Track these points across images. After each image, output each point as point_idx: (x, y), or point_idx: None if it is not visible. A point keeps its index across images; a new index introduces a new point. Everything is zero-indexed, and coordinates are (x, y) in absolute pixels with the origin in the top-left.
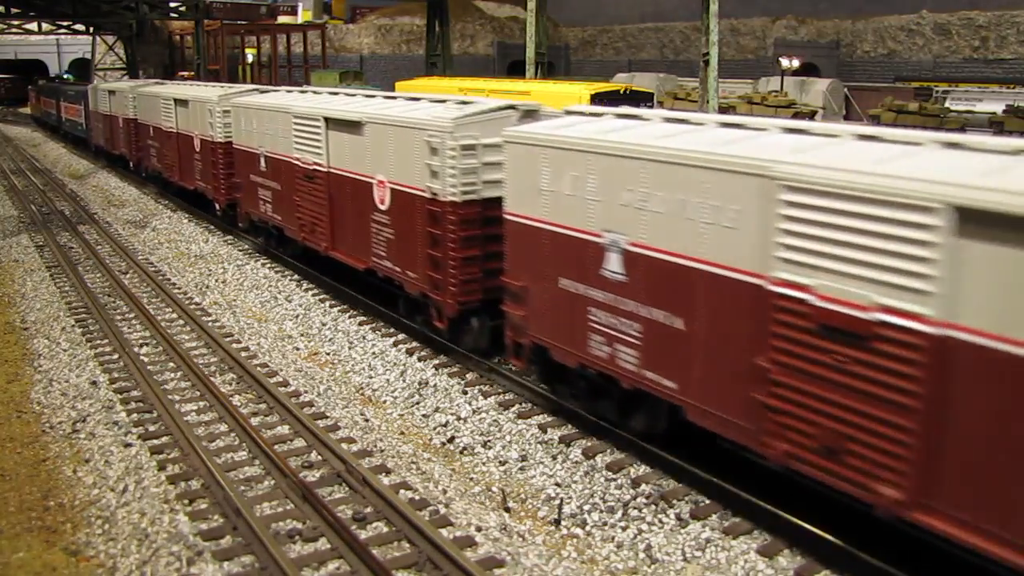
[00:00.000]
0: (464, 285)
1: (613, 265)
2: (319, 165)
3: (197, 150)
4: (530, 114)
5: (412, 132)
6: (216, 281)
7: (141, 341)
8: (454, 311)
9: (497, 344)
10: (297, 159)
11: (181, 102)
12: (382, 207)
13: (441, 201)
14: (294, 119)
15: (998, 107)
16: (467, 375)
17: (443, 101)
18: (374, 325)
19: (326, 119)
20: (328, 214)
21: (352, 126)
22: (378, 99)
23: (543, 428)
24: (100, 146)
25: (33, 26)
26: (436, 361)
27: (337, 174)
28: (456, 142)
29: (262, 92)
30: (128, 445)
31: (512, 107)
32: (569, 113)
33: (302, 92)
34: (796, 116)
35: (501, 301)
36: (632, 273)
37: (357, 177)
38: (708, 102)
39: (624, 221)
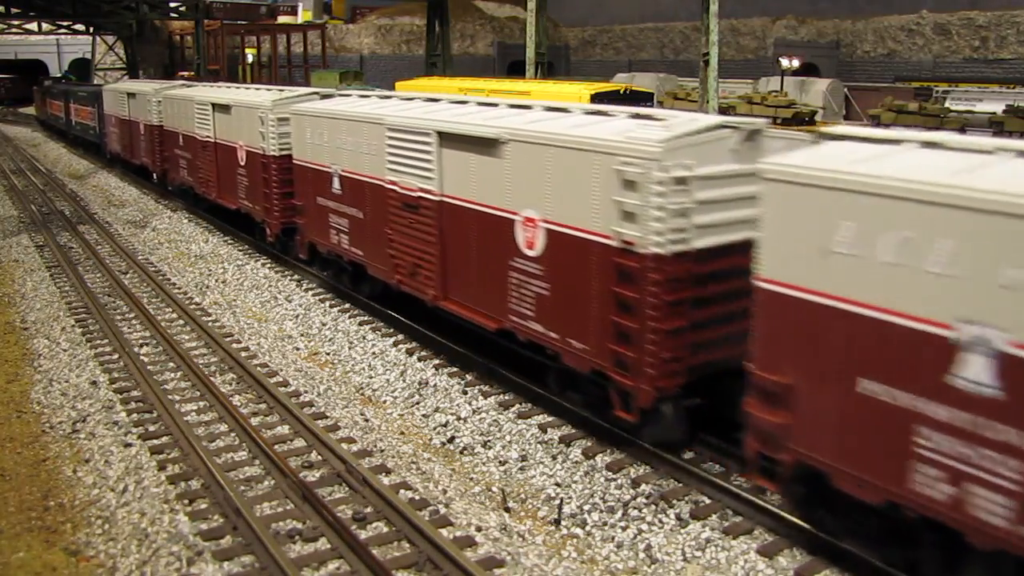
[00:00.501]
0: (666, 366)
1: (974, 372)
2: (428, 192)
3: (242, 164)
4: (753, 135)
5: (591, 157)
6: (216, 281)
7: (141, 341)
8: (650, 400)
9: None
10: (393, 183)
11: (221, 107)
12: (530, 252)
13: (639, 253)
14: (389, 132)
15: (998, 107)
16: (467, 375)
17: (610, 116)
18: (374, 325)
19: (440, 134)
20: (438, 255)
21: (484, 145)
22: (505, 108)
23: (543, 428)
24: (116, 154)
25: (33, 26)
26: (436, 361)
27: (455, 205)
28: (666, 174)
29: (325, 96)
30: (128, 445)
31: (727, 126)
32: (829, 137)
33: (384, 97)
34: (796, 116)
35: (703, 381)
36: (1015, 388)
37: (489, 211)
38: (708, 102)
39: (1005, 311)
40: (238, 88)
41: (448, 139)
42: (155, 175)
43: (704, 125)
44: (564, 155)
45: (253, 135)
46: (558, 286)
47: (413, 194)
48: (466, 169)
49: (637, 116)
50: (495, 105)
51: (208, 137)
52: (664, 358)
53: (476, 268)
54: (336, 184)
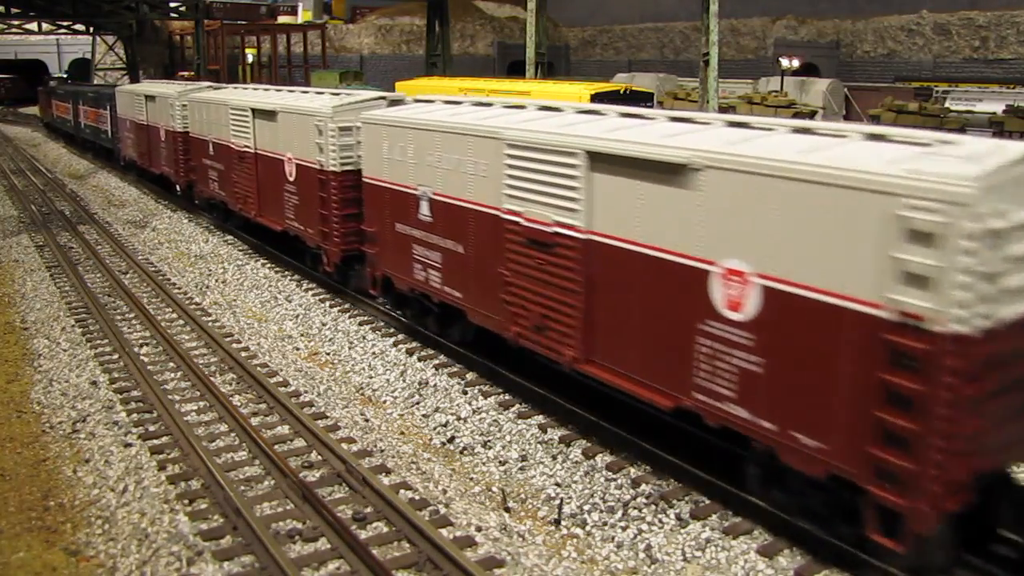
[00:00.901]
0: (954, 478)
1: None
2: (569, 228)
3: (290, 179)
4: None
5: (853, 197)
6: (216, 281)
7: (141, 341)
8: (930, 525)
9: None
10: (513, 213)
11: (263, 113)
12: (733, 315)
13: (932, 332)
14: (510, 150)
15: (998, 107)
16: (467, 375)
17: (842, 136)
18: (374, 325)
19: (592, 154)
20: (582, 307)
21: (663, 171)
22: (675, 124)
23: (543, 428)
24: (132, 161)
25: (33, 26)
26: (436, 361)
27: (611, 246)
28: (980, 224)
29: (395, 102)
30: (128, 445)
31: None
32: None
33: (481, 104)
34: (796, 116)
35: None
36: None
37: (667, 257)
38: (708, 102)
39: None
40: (281, 91)
41: (604, 162)
42: (179, 187)
43: (1017, 155)
44: (805, 192)
45: (306, 146)
46: (780, 363)
47: (545, 229)
48: (630, 201)
49: (877, 138)
50: (651, 119)
51: (246, 147)
52: (954, 470)
53: (641, 328)
54: (425, 210)
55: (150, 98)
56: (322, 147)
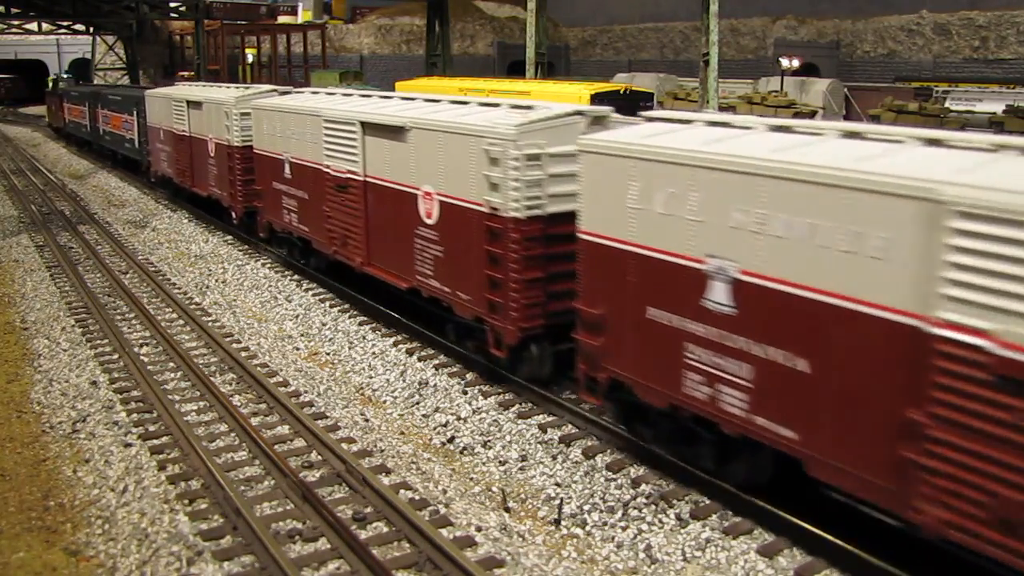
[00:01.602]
0: None
1: None
2: None
3: (429, 222)
4: None
5: None
6: (216, 281)
7: (141, 341)
8: None
9: None
10: (971, 334)
11: (381, 130)
12: None
13: None
14: (964, 223)
15: (998, 107)
16: (467, 375)
17: None
18: (374, 325)
19: None
20: None
21: None
22: None
23: (543, 428)
24: (166, 177)
25: (33, 26)
26: (436, 361)
27: None
28: None
29: (595, 121)
30: (128, 445)
31: None
32: None
33: (807, 132)
34: (796, 116)
35: None
36: None
37: None
38: (708, 102)
39: None
40: (391, 98)
41: None
42: (235, 215)
43: None
44: None
45: (461, 178)
46: None
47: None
48: None
49: None
50: None
51: (351, 173)
52: None
53: None
54: (719, 295)
55: (194, 104)
56: (498, 183)
